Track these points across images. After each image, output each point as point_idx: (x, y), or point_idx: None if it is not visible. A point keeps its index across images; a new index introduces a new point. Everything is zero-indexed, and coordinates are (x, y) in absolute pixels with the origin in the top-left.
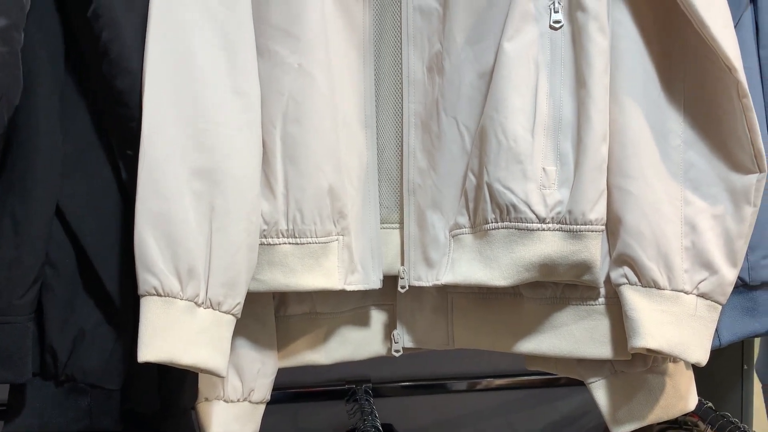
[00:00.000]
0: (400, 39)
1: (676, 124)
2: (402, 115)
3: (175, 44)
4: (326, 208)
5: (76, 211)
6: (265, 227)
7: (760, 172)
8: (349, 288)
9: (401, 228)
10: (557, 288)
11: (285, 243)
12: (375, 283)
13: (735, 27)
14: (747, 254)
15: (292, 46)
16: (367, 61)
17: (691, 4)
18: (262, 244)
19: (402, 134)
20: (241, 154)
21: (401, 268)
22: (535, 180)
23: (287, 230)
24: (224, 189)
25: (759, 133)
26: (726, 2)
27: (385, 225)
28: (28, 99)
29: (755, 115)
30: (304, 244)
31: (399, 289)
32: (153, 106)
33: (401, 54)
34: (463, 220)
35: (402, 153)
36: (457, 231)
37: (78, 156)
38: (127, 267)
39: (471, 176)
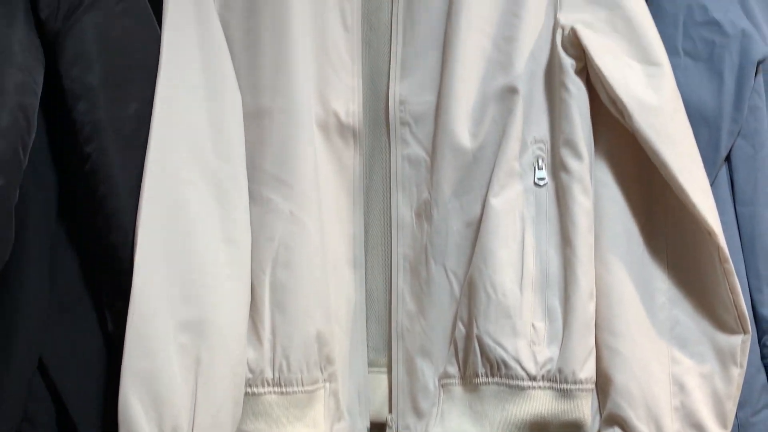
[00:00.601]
0: (389, 185)
1: (660, 282)
2: (391, 257)
3: (169, 199)
4: (313, 355)
5: (59, 366)
6: (251, 376)
7: (745, 333)
8: None
9: (389, 372)
10: None
11: (270, 392)
12: (362, 431)
13: (711, 185)
14: (736, 411)
15: (285, 194)
16: (357, 204)
17: (670, 170)
18: (246, 393)
19: (391, 277)
20: (229, 305)
21: (389, 416)
22: (525, 336)
23: (273, 379)
24: (210, 341)
25: (741, 295)
26: (703, 169)
27: (373, 368)
28: (18, 252)
29: (737, 279)
30: (289, 393)
31: None
32: (145, 260)
33: (390, 199)
34: (453, 369)
35: (391, 295)
36: (447, 381)
37: (64, 307)
38: (110, 426)
39: (460, 325)
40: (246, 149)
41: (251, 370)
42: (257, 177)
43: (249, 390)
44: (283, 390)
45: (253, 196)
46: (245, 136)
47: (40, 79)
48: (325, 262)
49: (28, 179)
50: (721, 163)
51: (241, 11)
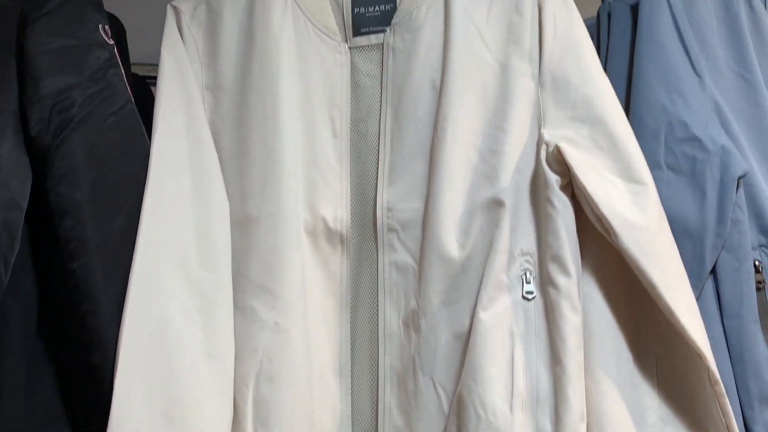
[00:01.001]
0: (377, 292)
1: (651, 399)
2: (378, 367)
3: (153, 315)
4: None
5: None
6: None
7: None
8: None
9: None
10: None
11: None
12: None
13: (697, 299)
14: None
15: (270, 303)
16: (344, 310)
17: (657, 290)
18: None
19: (378, 388)
20: (211, 422)
21: None
22: None
23: None
24: None
25: (733, 417)
26: (690, 288)
27: None
28: None
29: (728, 401)
30: None
31: None
32: (125, 382)
33: (377, 306)
34: None
35: (377, 407)
36: None
37: (38, 427)
38: None
39: None
40: (232, 257)
41: None
42: (242, 286)
43: None
44: None
45: (238, 306)
46: (232, 244)
47: (27, 195)
48: (309, 373)
49: (7, 291)
50: (707, 276)
51: (232, 119)
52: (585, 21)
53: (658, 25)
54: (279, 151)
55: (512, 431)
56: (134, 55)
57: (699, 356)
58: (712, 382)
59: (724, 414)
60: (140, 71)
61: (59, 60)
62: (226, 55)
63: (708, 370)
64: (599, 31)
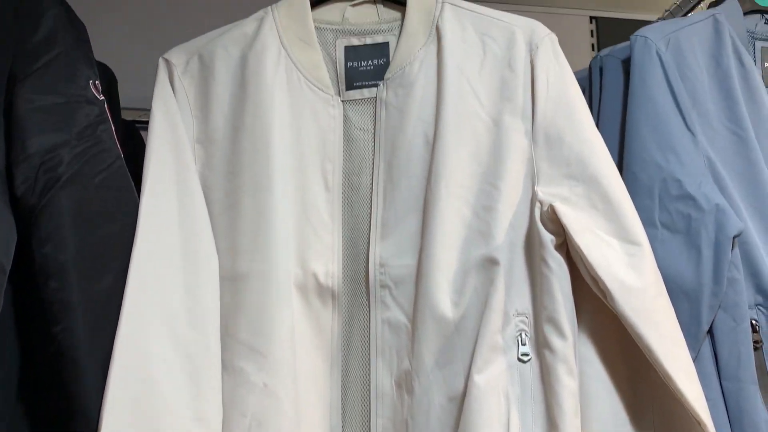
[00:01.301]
0: (369, 350)
1: None
2: (369, 428)
3: (138, 379)
4: None
5: None
6: None
7: None
8: None
9: None
10: None
11: None
12: None
13: (695, 359)
14: None
15: (259, 364)
16: (334, 368)
17: (654, 354)
18: None
19: None
20: None
21: None
22: None
23: None
24: None
25: None
26: (688, 352)
27: None
28: None
29: None
30: None
31: None
32: None
33: (369, 365)
34: None
35: None
36: None
37: None
38: None
39: None
40: (221, 315)
41: None
42: (231, 346)
43: None
44: None
45: (226, 366)
46: (221, 301)
47: (11, 256)
48: None
49: None
50: (704, 336)
51: (223, 173)
52: (577, 73)
53: (650, 80)
54: (270, 206)
55: None
56: (125, 100)
57: (698, 422)
58: None
59: None
60: (131, 116)
61: (47, 118)
62: (218, 108)
63: None
64: (591, 84)
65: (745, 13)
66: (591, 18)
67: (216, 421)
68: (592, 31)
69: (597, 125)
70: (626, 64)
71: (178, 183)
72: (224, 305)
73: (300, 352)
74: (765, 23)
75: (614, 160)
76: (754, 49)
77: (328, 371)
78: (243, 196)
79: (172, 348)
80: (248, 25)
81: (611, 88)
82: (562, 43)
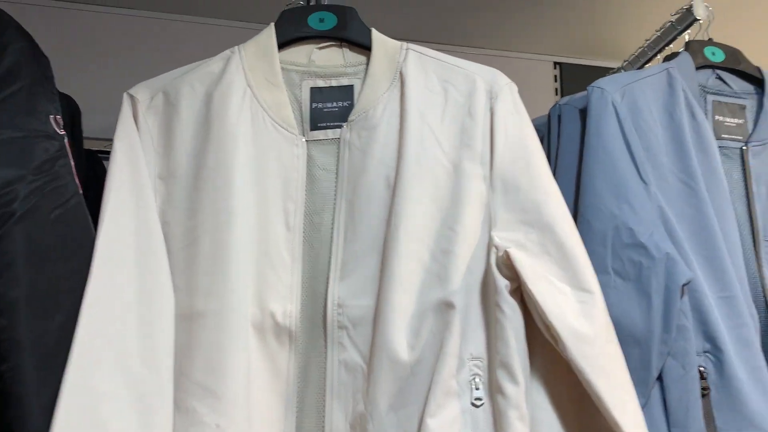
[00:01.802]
0: (324, 391)
1: None
2: None
3: (87, 418)
4: None
5: None
6: None
7: None
8: None
9: None
10: None
11: None
12: None
13: (644, 406)
14: None
15: (212, 405)
16: (290, 409)
17: (604, 403)
18: None
19: None
20: None
21: None
22: None
23: None
24: None
25: None
26: (637, 400)
27: None
28: None
29: None
30: None
31: None
32: None
33: (324, 407)
34: None
35: None
36: None
37: None
38: None
39: None
40: (175, 353)
41: None
42: (184, 385)
43: None
44: None
45: (178, 406)
46: (176, 339)
47: None
48: None
49: None
50: (653, 383)
51: (184, 210)
52: (537, 119)
53: (605, 131)
54: (229, 244)
55: None
56: (90, 130)
57: None
58: None
59: None
60: (96, 146)
61: (4, 152)
62: (181, 144)
63: None
64: (549, 131)
65: (697, 68)
66: (555, 63)
67: None
68: (555, 76)
69: (555, 172)
70: (584, 113)
71: (136, 219)
72: (179, 344)
73: (255, 393)
74: (716, 78)
75: (571, 207)
76: (706, 102)
77: (283, 412)
78: (202, 234)
79: (124, 386)
80: (215, 63)
81: (569, 136)
82: (527, 88)
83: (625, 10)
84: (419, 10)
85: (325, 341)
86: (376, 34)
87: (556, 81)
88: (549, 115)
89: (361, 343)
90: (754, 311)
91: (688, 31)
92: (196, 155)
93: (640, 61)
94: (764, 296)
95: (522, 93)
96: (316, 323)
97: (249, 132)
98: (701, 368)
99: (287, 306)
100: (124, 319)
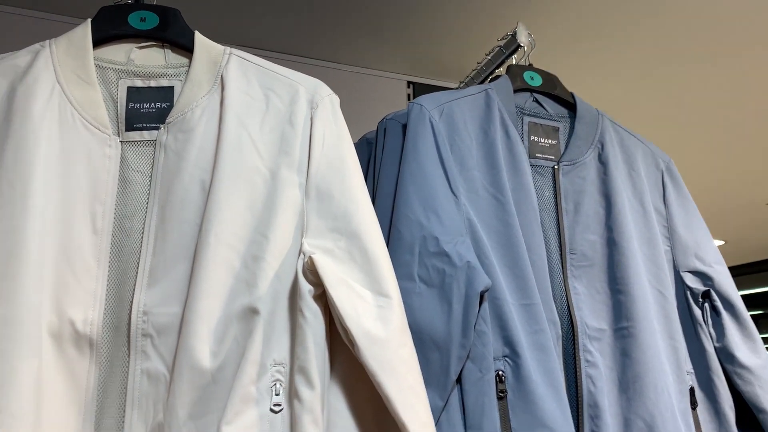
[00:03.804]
0: (125, 401)
1: None
2: None
3: None
4: None
5: None
6: None
7: None
8: None
9: None
10: None
11: None
12: None
13: (443, 408)
14: None
15: None
16: (87, 422)
17: (393, 405)
18: None
19: None
20: None
21: None
22: None
23: None
24: None
25: None
26: (427, 404)
27: None
28: None
29: None
30: None
31: None
32: None
33: (124, 418)
34: None
35: None
36: None
37: None
38: None
39: None
40: None
41: None
42: None
43: None
44: None
45: None
46: None
47: None
48: None
49: None
50: (453, 386)
51: None
52: (371, 133)
53: (421, 145)
54: (22, 248)
55: None
56: None
57: None
58: None
59: None
60: None
61: None
62: None
63: None
64: (376, 144)
65: (515, 90)
66: (408, 83)
67: None
68: (409, 95)
69: (376, 183)
70: (405, 127)
71: None
72: None
73: (47, 405)
74: (533, 101)
75: (389, 216)
76: (523, 123)
77: (80, 425)
78: None
79: None
80: (22, 57)
81: (390, 149)
82: (382, 104)
83: (466, 32)
84: (279, 22)
85: (128, 350)
86: (199, 37)
87: (409, 99)
88: (377, 129)
89: (166, 352)
90: (557, 318)
91: (514, 55)
92: None
93: (475, 81)
94: (567, 304)
95: (377, 109)
96: (120, 331)
97: (55, 130)
98: (500, 372)
99: (88, 313)
100: None
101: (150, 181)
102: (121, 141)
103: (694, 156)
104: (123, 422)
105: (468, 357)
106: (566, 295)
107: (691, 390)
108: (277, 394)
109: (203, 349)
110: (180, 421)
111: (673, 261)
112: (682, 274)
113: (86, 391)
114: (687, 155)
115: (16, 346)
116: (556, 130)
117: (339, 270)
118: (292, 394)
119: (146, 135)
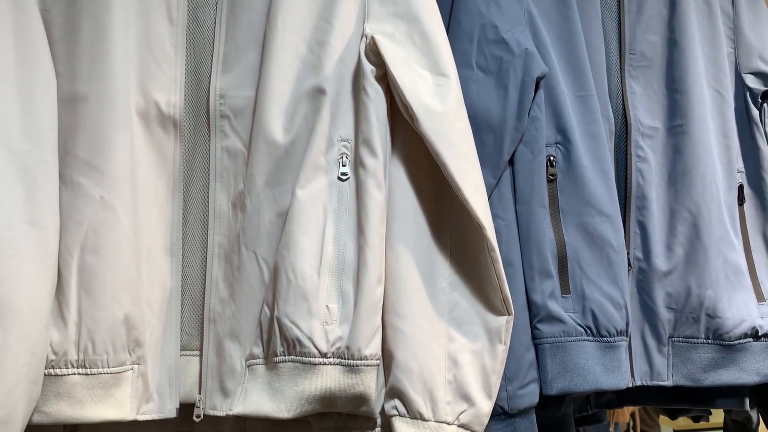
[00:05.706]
0: (208, 175)
1: (443, 268)
2: (207, 245)
3: None
4: (121, 338)
5: None
6: (53, 357)
7: (509, 315)
8: (141, 418)
9: (201, 356)
10: (340, 418)
11: (74, 374)
12: (171, 412)
13: (496, 186)
14: (506, 385)
15: (96, 179)
16: (176, 192)
17: (449, 171)
18: (49, 374)
19: (206, 263)
20: (30, 287)
21: (198, 396)
22: (319, 317)
23: (77, 360)
24: (5, 323)
25: (505, 280)
26: (479, 170)
27: (185, 352)
28: None
29: (502, 266)
30: (94, 374)
31: (194, 417)
32: None
33: (209, 188)
34: (258, 350)
35: (205, 282)
36: (252, 361)
37: None
38: None
39: (266, 309)
40: (59, 134)
41: (54, 352)
42: (69, 162)
43: (51, 371)
44: (88, 371)
45: (64, 181)
46: (59, 121)
47: None
48: (136, 248)
49: None
50: (505, 166)
51: None
52: None
53: None
54: (109, 33)
55: (318, 293)
56: None
57: (480, 227)
58: (489, 249)
59: (498, 278)
60: None
61: None
62: None
63: (486, 238)
64: None
65: None
66: None
67: (52, 227)
68: None
69: None
70: None
71: (14, 4)
72: (63, 125)
73: (141, 174)
74: None
75: (449, 6)
76: None
77: (170, 195)
78: (82, 21)
79: (6, 158)
80: None
81: None
82: None
83: None
84: None
85: (209, 130)
86: None
87: None
88: None
89: (243, 131)
90: (611, 114)
91: None
92: None
93: None
94: (623, 102)
95: None
96: (199, 114)
97: None
98: (551, 157)
99: (171, 97)
100: (4, 97)
101: None
102: None
103: None
104: (207, 192)
105: (521, 141)
106: (623, 93)
107: (740, 187)
108: (344, 165)
109: (276, 125)
110: (258, 188)
111: (736, 62)
112: (743, 75)
113: (173, 166)
114: None
115: (113, 120)
116: None
117: (400, 52)
118: (357, 164)
119: None
